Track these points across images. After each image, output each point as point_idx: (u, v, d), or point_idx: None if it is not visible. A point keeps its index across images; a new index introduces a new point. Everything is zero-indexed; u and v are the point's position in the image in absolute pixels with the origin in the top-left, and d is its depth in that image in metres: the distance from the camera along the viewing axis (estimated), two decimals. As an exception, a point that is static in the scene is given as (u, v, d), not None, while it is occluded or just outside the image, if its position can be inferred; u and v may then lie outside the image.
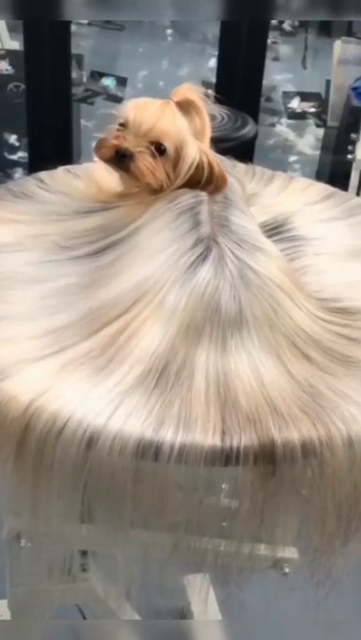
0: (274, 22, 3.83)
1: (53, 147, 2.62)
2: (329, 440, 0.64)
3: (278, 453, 0.62)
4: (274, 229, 0.87)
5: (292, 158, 3.23)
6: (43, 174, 0.99)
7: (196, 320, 0.69)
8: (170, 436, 0.62)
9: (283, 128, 3.26)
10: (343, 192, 1.01)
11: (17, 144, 2.82)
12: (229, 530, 0.68)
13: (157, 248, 0.73)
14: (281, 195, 0.97)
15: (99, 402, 0.65)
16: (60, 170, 1.01)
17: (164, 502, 0.65)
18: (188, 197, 0.76)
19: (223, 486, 0.67)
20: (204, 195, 0.76)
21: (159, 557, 0.73)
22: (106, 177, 0.90)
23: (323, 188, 1.00)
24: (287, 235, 0.88)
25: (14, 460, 0.66)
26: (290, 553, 0.87)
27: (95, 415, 0.64)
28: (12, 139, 2.83)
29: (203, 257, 0.71)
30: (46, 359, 0.69)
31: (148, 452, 0.62)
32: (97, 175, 0.98)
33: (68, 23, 2.45)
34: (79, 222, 0.85)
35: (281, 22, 3.82)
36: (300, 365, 0.70)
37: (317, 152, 2.96)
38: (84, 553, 1.04)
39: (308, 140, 3.17)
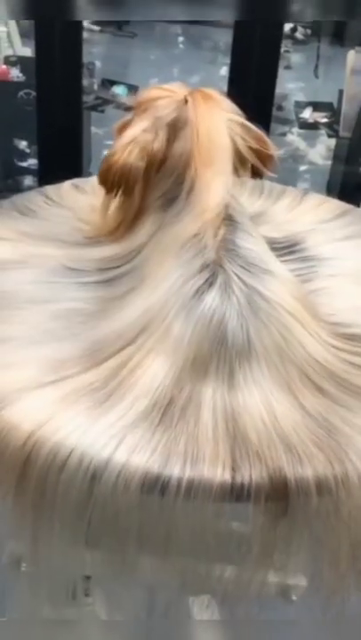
0: (286, 30, 3.81)
1: (63, 154, 2.60)
2: (345, 478, 0.61)
3: (291, 491, 0.59)
4: (286, 249, 0.84)
5: (303, 168, 3.21)
6: (49, 189, 0.96)
7: (202, 352, 0.67)
8: (177, 470, 0.60)
9: (294, 137, 3.23)
10: (358, 209, 0.98)
11: (27, 151, 2.82)
12: (239, 561, 0.65)
13: (162, 276, 0.70)
14: (293, 212, 0.94)
15: (101, 436, 0.62)
16: (67, 184, 0.99)
17: (171, 539, 0.62)
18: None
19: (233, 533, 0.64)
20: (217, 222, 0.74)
21: (165, 585, 0.70)
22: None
23: (337, 205, 0.97)
24: (300, 255, 0.85)
25: (14, 494, 0.63)
26: (298, 580, 0.84)
27: (99, 449, 0.61)
28: (23, 145, 2.82)
29: (208, 284, 0.69)
30: (47, 387, 0.66)
31: (155, 487, 0.60)
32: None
33: (79, 30, 2.44)
34: (89, 250, 0.83)
35: (293, 31, 3.80)
36: (313, 398, 0.67)
37: (329, 162, 2.94)
38: (87, 577, 1.01)
39: (320, 151, 3.14)
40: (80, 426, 0.63)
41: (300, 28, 3.81)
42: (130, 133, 0.78)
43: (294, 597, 0.86)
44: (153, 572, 0.68)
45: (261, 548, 0.61)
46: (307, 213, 0.94)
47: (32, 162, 2.79)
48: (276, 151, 0.82)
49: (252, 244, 0.72)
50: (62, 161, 2.62)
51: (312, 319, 0.71)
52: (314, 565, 0.65)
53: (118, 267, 0.79)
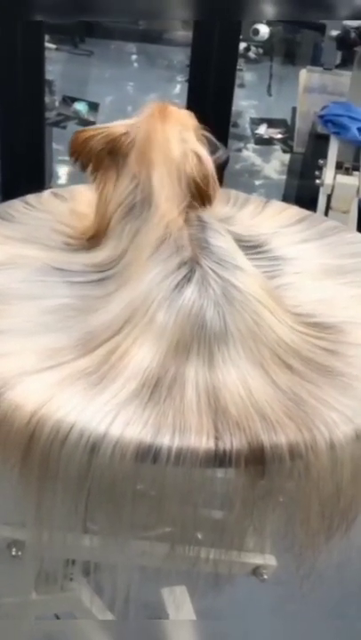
0: (240, 50, 3.93)
1: (26, 169, 2.65)
2: (313, 443, 0.69)
3: (267, 456, 0.67)
4: (253, 248, 0.93)
5: (259, 182, 3.32)
6: (30, 197, 1.03)
7: (184, 337, 0.74)
8: (167, 441, 0.67)
9: (249, 153, 3.35)
10: (316, 215, 1.07)
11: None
12: (221, 536, 0.72)
13: (143, 273, 0.79)
14: (256, 218, 1.03)
15: (97, 412, 0.69)
16: (47, 192, 1.06)
17: (161, 507, 0.69)
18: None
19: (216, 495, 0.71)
20: (180, 222, 0.83)
21: (153, 566, 0.77)
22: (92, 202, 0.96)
23: (297, 212, 1.06)
24: (267, 254, 0.94)
25: (20, 468, 0.69)
26: (269, 560, 0.92)
27: (96, 424, 0.68)
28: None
29: (187, 278, 0.77)
30: (45, 372, 0.73)
31: (148, 455, 0.67)
32: (84, 201, 1.04)
33: (41, 47, 2.50)
34: (72, 254, 0.91)
35: (247, 50, 3.93)
36: (283, 375, 0.75)
37: (283, 177, 3.05)
38: (72, 563, 1.07)
39: (274, 165, 3.26)
40: (78, 405, 0.70)
41: (252, 48, 3.94)
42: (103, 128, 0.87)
43: (265, 577, 0.94)
44: (143, 549, 0.75)
45: (242, 506, 0.68)
46: (269, 219, 1.04)
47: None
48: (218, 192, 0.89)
49: (223, 242, 0.81)
50: (25, 175, 2.68)
51: (278, 307, 0.80)
52: (288, 525, 0.73)
53: (103, 271, 0.88)
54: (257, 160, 3.35)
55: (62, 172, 3.20)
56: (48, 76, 3.02)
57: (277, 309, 0.81)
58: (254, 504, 0.69)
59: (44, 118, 2.62)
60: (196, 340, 0.74)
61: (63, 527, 0.72)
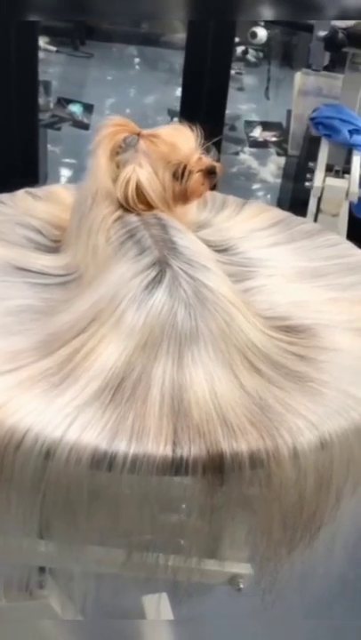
0: (238, 53, 3.92)
1: (20, 170, 2.64)
2: (276, 452, 0.66)
3: (227, 464, 0.65)
4: (223, 252, 0.92)
5: (255, 186, 3.30)
6: (3, 196, 1.02)
7: (153, 336, 0.72)
8: (123, 447, 0.65)
9: (246, 156, 3.33)
10: (294, 218, 1.06)
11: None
12: (181, 544, 0.70)
13: (107, 273, 0.77)
14: (231, 221, 1.01)
15: (55, 416, 0.67)
16: (21, 191, 1.04)
17: (118, 514, 0.67)
18: (120, 227, 0.81)
19: (174, 503, 0.69)
20: (136, 221, 0.81)
21: (112, 572, 0.75)
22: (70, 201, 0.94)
23: (274, 215, 1.04)
24: (238, 257, 0.92)
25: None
26: (245, 569, 0.90)
27: (52, 428, 0.66)
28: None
29: (158, 280, 0.75)
30: (4, 376, 0.71)
31: (103, 462, 0.65)
32: (62, 199, 1.02)
33: (35, 48, 2.50)
34: (37, 254, 0.89)
35: (245, 53, 3.92)
36: (251, 378, 0.73)
37: (279, 180, 3.04)
38: (41, 570, 1.05)
39: (270, 168, 3.25)
40: (36, 408, 0.68)
41: (251, 51, 3.93)
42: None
43: (242, 586, 0.92)
44: (100, 556, 0.73)
45: (200, 514, 0.66)
46: (243, 222, 1.02)
47: (-11, 177, 2.82)
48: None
49: (188, 243, 0.79)
50: (19, 176, 2.67)
51: (248, 310, 0.78)
52: (249, 535, 0.71)
53: (67, 274, 0.86)
54: (253, 163, 3.33)
55: (65, 174, 3.19)
56: (47, 78, 3.02)
57: (248, 312, 0.79)
58: (213, 513, 0.67)
59: (37, 119, 2.62)
60: (166, 339, 0.72)
61: (18, 533, 0.70)
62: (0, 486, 0.68)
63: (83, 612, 1.06)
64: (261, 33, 3.32)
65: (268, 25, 3.19)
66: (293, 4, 1.27)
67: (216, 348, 0.73)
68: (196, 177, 0.87)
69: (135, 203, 0.84)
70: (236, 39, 3.72)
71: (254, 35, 3.34)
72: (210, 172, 0.89)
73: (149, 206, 0.84)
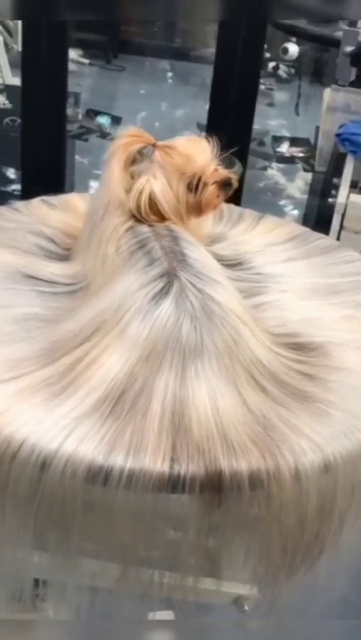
0: (269, 69, 3.92)
1: (46, 180, 2.66)
2: (277, 472, 0.64)
3: (225, 483, 0.63)
4: (235, 266, 0.90)
5: (282, 202, 3.28)
6: (18, 204, 1.01)
7: (157, 349, 0.71)
8: (119, 461, 0.63)
9: (273, 172, 3.32)
10: (311, 233, 1.04)
11: (12, 177, 2.87)
12: (176, 561, 0.68)
13: (114, 283, 0.75)
14: (247, 234, 1.00)
15: (53, 427, 0.66)
16: (37, 200, 1.04)
17: (113, 528, 0.65)
18: (131, 237, 0.79)
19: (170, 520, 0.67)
20: (148, 232, 0.79)
21: (107, 587, 0.73)
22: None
23: (290, 229, 1.03)
24: (250, 272, 0.91)
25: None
26: (246, 590, 0.87)
27: (49, 440, 0.65)
28: (8, 171, 2.88)
29: (165, 291, 0.73)
30: (3, 384, 0.70)
31: (98, 476, 0.63)
32: (76, 207, 1.01)
33: (65, 59, 2.51)
34: (49, 261, 0.88)
35: (276, 69, 3.91)
36: (255, 396, 0.71)
37: (306, 196, 3.01)
38: (43, 582, 1.03)
39: (298, 184, 3.22)
40: (34, 418, 0.67)
41: (282, 67, 3.92)
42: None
43: (247, 607, 0.89)
44: (95, 570, 0.72)
45: (196, 534, 0.64)
46: (259, 236, 1.00)
47: (15, 187, 2.84)
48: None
49: (199, 255, 0.78)
50: (45, 187, 2.68)
51: (256, 326, 0.76)
52: (247, 557, 0.68)
53: (75, 283, 0.85)
54: (281, 179, 3.31)
55: (94, 185, 3.20)
56: (78, 90, 3.04)
57: (256, 328, 0.77)
58: (210, 532, 0.65)
59: (64, 130, 2.63)
60: (170, 351, 0.70)
61: (12, 543, 0.69)
62: (-5, 496, 0.67)
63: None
64: (293, 49, 3.32)
65: (300, 41, 3.18)
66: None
67: (221, 363, 0.71)
68: (211, 189, 0.86)
69: (147, 214, 0.82)
70: (268, 55, 3.72)
71: (286, 50, 3.33)
72: (225, 184, 0.87)
73: (162, 218, 0.83)
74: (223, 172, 0.87)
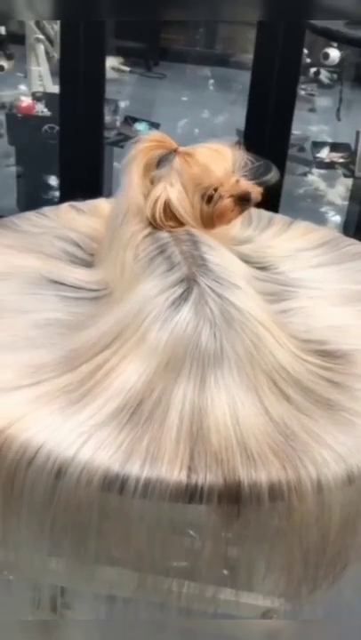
0: (311, 74, 3.88)
1: (85, 187, 2.67)
2: (298, 484, 0.62)
3: (244, 494, 0.61)
4: (263, 269, 0.88)
5: (323, 208, 3.24)
6: (46, 209, 1.01)
7: (176, 357, 0.69)
8: (136, 470, 0.62)
9: (314, 178, 3.28)
10: (344, 238, 1.01)
11: (54, 184, 2.90)
12: (195, 571, 0.67)
13: (134, 290, 0.74)
14: (276, 239, 0.98)
15: (70, 434, 0.65)
16: (65, 205, 1.04)
17: (129, 537, 0.64)
18: (151, 242, 0.78)
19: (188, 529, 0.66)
20: (167, 237, 0.78)
21: (125, 595, 0.72)
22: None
23: (322, 235, 1.00)
24: (276, 277, 0.88)
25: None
26: (271, 603, 0.85)
27: (65, 447, 0.64)
28: (49, 179, 2.90)
29: (184, 297, 0.72)
30: (22, 390, 0.70)
31: (114, 485, 0.62)
32: (104, 212, 1.01)
33: (103, 66, 2.53)
34: (74, 267, 0.88)
35: (317, 74, 3.87)
36: (278, 404, 0.69)
37: (347, 202, 2.97)
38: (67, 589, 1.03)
39: (339, 190, 3.18)
40: (51, 424, 0.66)
41: (324, 72, 3.88)
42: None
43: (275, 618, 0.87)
44: (113, 575, 0.70)
45: (214, 545, 0.63)
46: (289, 241, 0.98)
47: (57, 194, 2.87)
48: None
49: (220, 260, 0.76)
50: (83, 194, 2.70)
51: (281, 332, 0.74)
52: (268, 570, 0.66)
53: (99, 289, 0.84)
54: (321, 185, 3.27)
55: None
56: (119, 97, 3.05)
57: (280, 334, 0.75)
58: (228, 543, 0.63)
59: (102, 137, 2.64)
60: (189, 359, 0.69)
61: (29, 550, 0.68)
62: (11, 502, 0.66)
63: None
64: (334, 54, 3.28)
65: (341, 46, 3.14)
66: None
67: (241, 370, 0.69)
68: (226, 202, 0.83)
69: (163, 221, 0.81)
70: (309, 60, 3.68)
71: (326, 56, 3.30)
72: (243, 199, 0.84)
73: (179, 224, 0.82)
74: (243, 186, 0.84)
